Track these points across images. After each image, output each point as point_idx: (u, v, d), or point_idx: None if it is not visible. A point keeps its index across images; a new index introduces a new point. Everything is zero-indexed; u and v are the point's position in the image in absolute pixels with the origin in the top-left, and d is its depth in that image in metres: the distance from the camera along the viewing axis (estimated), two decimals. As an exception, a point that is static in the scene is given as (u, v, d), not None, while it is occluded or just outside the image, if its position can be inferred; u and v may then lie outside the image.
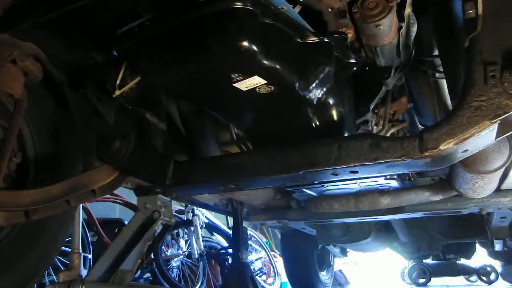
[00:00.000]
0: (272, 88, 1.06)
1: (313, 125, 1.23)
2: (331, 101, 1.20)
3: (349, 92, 1.28)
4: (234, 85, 1.03)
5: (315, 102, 1.17)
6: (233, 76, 1.00)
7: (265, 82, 1.03)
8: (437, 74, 1.61)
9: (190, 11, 0.92)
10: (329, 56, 1.09)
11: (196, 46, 0.98)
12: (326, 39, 1.03)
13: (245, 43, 0.92)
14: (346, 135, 1.26)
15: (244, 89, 1.05)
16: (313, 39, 1.01)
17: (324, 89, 1.16)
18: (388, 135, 1.59)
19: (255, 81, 1.02)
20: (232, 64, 0.99)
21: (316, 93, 1.16)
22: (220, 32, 0.93)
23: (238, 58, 0.96)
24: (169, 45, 1.03)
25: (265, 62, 0.97)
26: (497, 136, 0.97)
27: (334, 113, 1.22)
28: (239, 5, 0.87)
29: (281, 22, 0.95)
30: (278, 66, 1.00)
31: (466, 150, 0.98)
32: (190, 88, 1.17)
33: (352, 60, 1.17)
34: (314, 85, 1.12)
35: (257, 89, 1.06)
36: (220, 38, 0.94)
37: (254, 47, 0.93)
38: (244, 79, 1.01)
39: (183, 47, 1.00)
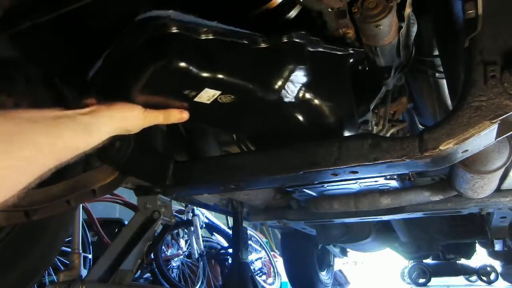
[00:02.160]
0: (232, 96, 1.04)
1: (304, 125, 1.19)
2: (317, 99, 1.14)
3: (346, 87, 1.22)
4: (195, 100, 1.02)
5: (295, 101, 1.13)
6: (186, 93, 1.00)
7: (220, 92, 1.01)
8: (437, 74, 1.61)
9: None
10: (297, 55, 1.05)
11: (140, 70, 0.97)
12: (285, 40, 1.01)
13: (179, 64, 0.92)
14: (347, 134, 1.23)
15: (208, 102, 1.04)
16: (265, 44, 1.00)
17: (302, 87, 1.11)
18: (388, 135, 1.59)
19: (210, 93, 1.01)
20: (177, 83, 0.99)
21: (292, 93, 1.11)
22: (154, 55, 0.93)
23: (177, 77, 0.95)
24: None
25: (205, 74, 0.96)
26: (497, 136, 0.97)
27: (326, 111, 1.17)
28: (171, 31, 0.89)
29: (219, 35, 0.94)
30: (221, 76, 0.99)
31: (466, 150, 0.98)
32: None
33: (342, 52, 1.12)
34: (285, 85, 1.08)
35: (218, 99, 1.04)
36: (155, 61, 0.94)
37: (185, 65, 0.93)
38: (197, 93, 1.00)
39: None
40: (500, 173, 1.30)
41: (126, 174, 1.35)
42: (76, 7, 1.00)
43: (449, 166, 1.25)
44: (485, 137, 0.93)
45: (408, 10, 1.09)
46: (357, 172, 1.10)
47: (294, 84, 1.09)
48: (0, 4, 1.00)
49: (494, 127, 0.91)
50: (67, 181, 1.27)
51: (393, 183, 1.65)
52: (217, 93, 1.02)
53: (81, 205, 2.58)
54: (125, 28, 0.95)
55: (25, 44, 1.14)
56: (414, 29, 1.21)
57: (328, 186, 1.71)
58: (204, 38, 0.92)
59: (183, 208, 4.20)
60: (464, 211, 1.83)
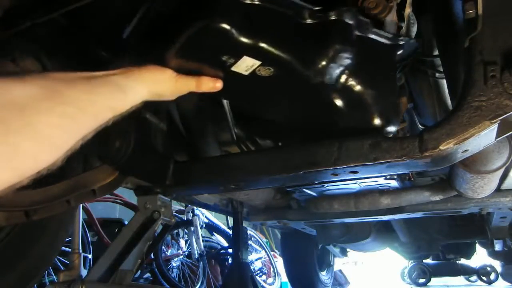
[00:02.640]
0: (272, 69, 0.99)
1: (343, 114, 1.10)
2: (360, 86, 1.05)
3: (391, 78, 1.11)
4: (232, 69, 0.97)
5: (336, 85, 1.04)
6: (223, 59, 0.95)
7: (260, 63, 0.96)
8: (437, 74, 1.61)
9: None
10: (345, 36, 0.98)
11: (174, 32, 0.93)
12: (333, 18, 0.94)
13: (220, 25, 0.87)
14: (389, 129, 1.12)
15: (246, 73, 0.99)
16: (311, 20, 0.94)
17: (346, 70, 1.04)
18: (388, 135, 1.59)
19: (249, 63, 0.96)
20: (216, 47, 0.94)
21: (334, 75, 1.03)
22: (195, 14, 0.89)
23: (217, 40, 0.91)
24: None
25: (246, 41, 0.91)
26: (497, 136, 0.97)
27: (369, 99, 1.06)
28: None
29: (264, 2, 0.90)
30: (263, 45, 0.94)
31: (466, 150, 0.98)
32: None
33: (386, 41, 1.02)
34: (328, 66, 1.01)
35: (257, 72, 0.99)
36: (196, 17, 0.90)
37: (228, 27, 0.88)
38: (235, 61, 0.95)
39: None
40: (500, 173, 1.30)
41: (126, 174, 1.35)
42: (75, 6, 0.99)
43: (449, 166, 1.25)
44: (485, 137, 0.93)
45: (408, 10, 1.08)
46: (357, 172, 1.10)
47: (338, 66, 1.02)
48: (0, 4, 1.00)
49: (494, 127, 0.91)
50: (67, 181, 1.27)
51: (393, 183, 1.65)
52: (256, 63, 0.97)
53: (81, 205, 2.58)
54: None
55: None
56: (414, 29, 1.21)
57: (328, 186, 1.71)
58: (249, 2, 0.88)
59: (183, 208, 4.20)
60: (464, 211, 1.83)
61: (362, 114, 1.09)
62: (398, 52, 1.07)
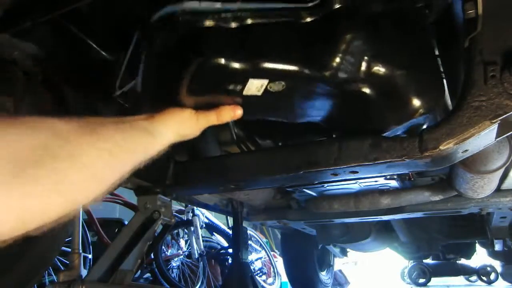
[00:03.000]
0: (283, 83, 0.93)
1: (377, 103, 0.99)
2: (383, 69, 0.94)
3: (425, 49, 1.00)
4: (244, 94, 0.94)
5: (361, 77, 0.95)
6: (231, 88, 0.92)
7: (267, 81, 0.92)
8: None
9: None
10: (353, 23, 0.91)
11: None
12: (337, 7, 0.87)
13: (210, 61, 0.87)
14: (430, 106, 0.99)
15: (259, 93, 0.94)
16: (311, 18, 0.89)
17: (365, 57, 0.93)
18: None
19: (257, 84, 0.93)
20: (217, 81, 0.93)
21: (354, 67, 0.93)
22: (183, 57, 0.89)
23: (215, 75, 0.90)
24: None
25: (243, 66, 0.88)
26: (497, 136, 0.97)
27: (400, 81, 0.95)
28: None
29: (252, 18, 0.86)
30: (262, 63, 0.89)
31: (466, 150, 0.98)
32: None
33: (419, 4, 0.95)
34: (343, 60, 0.92)
35: (269, 89, 0.94)
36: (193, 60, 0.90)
37: (218, 60, 0.87)
38: (243, 86, 0.92)
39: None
40: (500, 173, 1.30)
41: (126, 174, 1.35)
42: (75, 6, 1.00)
43: (449, 166, 1.25)
44: (485, 137, 0.93)
45: (408, 10, 1.08)
46: (357, 172, 1.09)
47: (354, 56, 0.93)
48: (1, 3, 1.00)
49: (494, 127, 0.91)
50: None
51: (393, 183, 1.65)
52: (264, 82, 0.93)
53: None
54: (147, 31, 0.92)
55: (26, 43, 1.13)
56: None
57: (328, 186, 1.71)
58: (235, 26, 0.86)
59: (183, 208, 4.20)
60: (464, 211, 1.83)
61: (397, 98, 0.98)
62: (427, 17, 0.97)
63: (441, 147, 0.92)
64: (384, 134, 1.04)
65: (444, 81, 1.13)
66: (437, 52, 1.18)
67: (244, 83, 0.93)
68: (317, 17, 0.92)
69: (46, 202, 0.54)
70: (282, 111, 1.08)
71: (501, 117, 0.88)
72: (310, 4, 0.91)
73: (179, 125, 0.89)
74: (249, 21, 0.87)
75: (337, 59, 0.93)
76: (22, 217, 0.52)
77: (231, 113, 0.96)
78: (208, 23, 0.86)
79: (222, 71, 0.89)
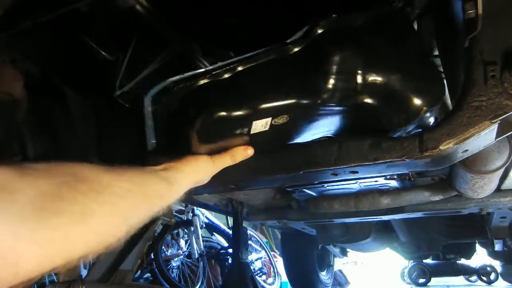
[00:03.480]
0: (286, 115, 0.98)
1: (381, 108, 1.00)
2: (378, 77, 0.95)
3: (413, 48, 1.00)
4: (252, 133, 1.00)
5: (359, 89, 0.96)
6: (239, 132, 0.98)
7: (270, 119, 0.98)
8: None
9: None
10: (338, 42, 0.93)
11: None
12: (320, 32, 0.90)
13: (207, 118, 0.98)
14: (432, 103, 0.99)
15: (266, 129, 1.00)
16: (297, 48, 0.92)
17: (358, 70, 0.94)
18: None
19: (261, 123, 0.99)
20: (223, 129, 1.00)
21: (350, 83, 0.95)
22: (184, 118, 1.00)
23: (219, 126, 0.98)
24: None
25: (244, 112, 0.96)
26: (497, 136, 0.97)
27: (395, 85, 0.96)
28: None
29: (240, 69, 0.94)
30: (260, 105, 0.96)
31: (466, 150, 0.98)
32: None
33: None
34: (338, 79, 0.94)
35: (274, 124, 0.99)
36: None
37: (215, 114, 0.97)
38: (249, 128, 0.99)
39: None
40: (500, 173, 1.30)
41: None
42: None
43: (449, 166, 1.25)
44: (485, 137, 0.93)
45: (408, 10, 1.08)
46: (357, 172, 1.09)
47: (347, 72, 0.95)
48: (1, 3, 1.00)
49: (494, 127, 0.91)
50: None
51: (393, 183, 1.65)
52: (267, 120, 0.99)
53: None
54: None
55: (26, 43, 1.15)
56: (414, 29, 1.20)
57: (328, 186, 1.71)
58: (228, 76, 0.93)
59: (183, 208, 4.20)
60: (464, 211, 1.83)
61: (400, 100, 0.99)
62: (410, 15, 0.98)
63: (441, 147, 0.92)
64: (398, 134, 1.05)
65: (444, 81, 1.14)
66: (436, 52, 1.19)
67: (249, 125, 0.99)
68: (302, 46, 0.95)
69: (71, 233, 0.56)
70: (293, 137, 1.12)
71: (501, 117, 0.88)
72: (294, 38, 0.95)
73: (197, 173, 0.95)
74: (240, 68, 0.94)
75: (331, 81, 0.95)
76: (48, 252, 0.53)
77: (244, 153, 1.03)
78: (202, 81, 0.91)
79: (225, 120, 0.96)
